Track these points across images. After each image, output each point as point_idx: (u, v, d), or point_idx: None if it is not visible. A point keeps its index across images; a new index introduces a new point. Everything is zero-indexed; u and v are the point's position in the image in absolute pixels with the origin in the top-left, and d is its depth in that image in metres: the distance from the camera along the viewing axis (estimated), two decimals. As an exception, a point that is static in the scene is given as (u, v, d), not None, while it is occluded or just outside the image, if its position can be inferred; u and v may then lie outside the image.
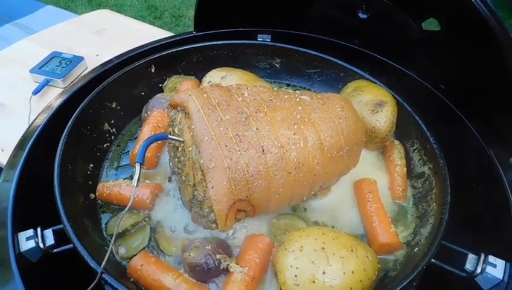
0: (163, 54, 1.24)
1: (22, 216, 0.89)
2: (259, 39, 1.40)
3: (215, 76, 1.19)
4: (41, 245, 0.84)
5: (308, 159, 0.88)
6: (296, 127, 0.89)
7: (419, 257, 0.81)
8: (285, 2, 1.46)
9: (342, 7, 1.45)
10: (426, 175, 1.03)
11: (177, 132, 0.90)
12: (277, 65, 1.37)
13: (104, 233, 0.93)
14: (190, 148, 0.85)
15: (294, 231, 0.84)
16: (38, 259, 0.85)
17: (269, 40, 1.39)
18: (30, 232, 0.85)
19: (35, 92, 1.29)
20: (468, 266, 0.84)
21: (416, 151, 1.09)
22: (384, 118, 1.06)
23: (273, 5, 1.43)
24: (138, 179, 0.78)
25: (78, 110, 1.01)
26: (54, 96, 1.17)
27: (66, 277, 0.86)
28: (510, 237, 0.91)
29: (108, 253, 0.73)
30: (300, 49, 1.32)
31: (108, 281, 0.72)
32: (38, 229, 0.85)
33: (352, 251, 0.77)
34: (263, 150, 0.84)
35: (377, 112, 1.07)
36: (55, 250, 0.85)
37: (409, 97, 1.16)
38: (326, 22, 1.49)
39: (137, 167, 0.79)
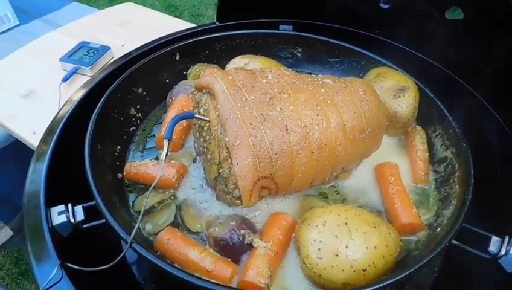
0: (187, 42, 1.27)
1: (54, 193, 0.93)
2: (280, 29, 1.41)
3: (238, 63, 1.21)
4: (72, 220, 0.86)
5: (330, 139, 0.89)
6: (319, 108, 0.90)
7: (441, 236, 0.81)
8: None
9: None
10: (449, 159, 1.03)
11: (202, 112, 0.93)
12: (298, 54, 1.39)
13: (132, 210, 0.96)
14: (216, 127, 0.88)
15: (317, 208, 0.85)
16: (68, 234, 0.89)
17: (290, 30, 1.41)
18: (61, 207, 0.88)
19: (65, 80, 1.34)
20: (492, 248, 0.84)
21: (438, 136, 1.09)
22: (406, 102, 1.06)
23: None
24: (166, 154, 0.80)
25: (106, 94, 1.05)
26: (81, 83, 1.21)
27: (95, 251, 0.89)
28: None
29: (137, 225, 0.76)
30: (322, 38, 1.33)
31: (138, 250, 0.74)
32: (69, 205, 0.88)
33: (374, 227, 0.78)
34: (287, 129, 0.85)
35: (399, 97, 1.07)
36: (85, 225, 0.88)
37: (431, 84, 1.16)
38: (347, 13, 1.50)
39: (166, 142, 0.81)
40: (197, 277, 0.70)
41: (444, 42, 1.29)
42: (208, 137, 0.91)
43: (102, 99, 1.03)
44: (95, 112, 1.00)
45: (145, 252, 0.74)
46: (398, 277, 0.70)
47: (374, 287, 0.69)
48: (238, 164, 0.82)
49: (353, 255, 0.74)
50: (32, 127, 1.23)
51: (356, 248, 0.74)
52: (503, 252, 0.82)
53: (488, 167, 1.05)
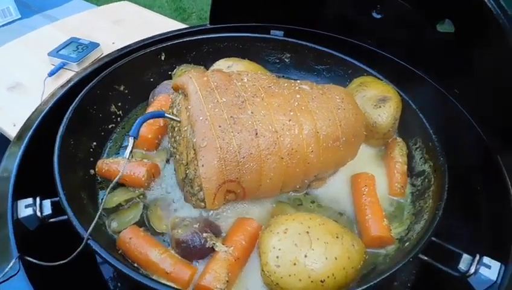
0: (173, 42, 1.27)
1: (24, 186, 0.93)
2: (271, 34, 1.41)
3: (222, 65, 1.20)
4: (38, 214, 0.86)
5: (302, 146, 0.88)
6: (292, 114, 0.89)
7: (408, 251, 0.79)
8: (300, 0, 1.47)
9: (356, 6, 1.45)
10: (426, 173, 1.01)
11: (175, 112, 0.93)
12: (286, 60, 1.38)
13: (100, 208, 0.95)
14: (185, 128, 0.87)
15: (282, 215, 0.84)
16: (35, 228, 0.88)
17: (281, 36, 1.40)
18: (29, 200, 0.88)
19: (51, 74, 1.35)
20: (462, 266, 0.82)
21: (418, 149, 1.07)
22: (386, 113, 1.05)
23: (288, 2, 1.45)
24: (130, 152, 0.80)
25: (84, 90, 1.05)
26: (66, 79, 1.21)
27: (62, 248, 0.88)
28: (508, 239, 0.87)
29: (95, 220, 0.75)
30: (310, 44, 1.32)
31: (93, 247, 0.73)
32: (38, 199, 0.88)
33: (337, 237, 0.76)
34: (256, 133, 0.84)
35: (380, 107, 1.05)
36: (51, 220, 0.87)
37: (417, 97, 1.15)
38: (340, 21, 1.49)
39: (131, 140, 0.81)
40: (146, 277, 0.69)
41: (433, 54, 1.28)
42: (178, 137, 0.90)
43: (79, 95, 1.03)
44: (70, 107, 1.00)
45: (99, 248, 0.73)
46: (355, 290, 0.68)
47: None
48: (203, 165, 0.81)
49: (311, 265, 0.72)
50: (13, 119, 1.24)
51: (315, 258, 0.72)
52: (472, 270, 0.80)
53: (467, 183, 1.03)
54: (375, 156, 1.11)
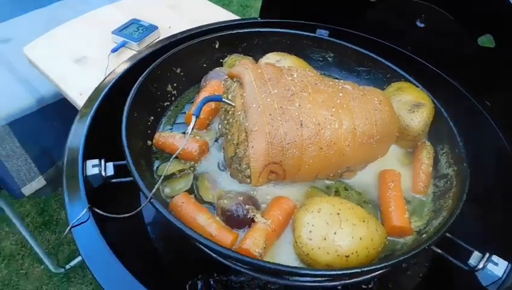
0: (228, 33, 1.38)
1: (91, 149, 1.06)
2: (317, 33, 1.50)
3: (271, 58, 1.31)
4: (103, 173, 1.00)
5: (340, 139, 0.98)
6: (334, 110, 0.99)
7: (423, 241, 0.89)
8: (348, 3, 1.56)
9: (402, 14, 1.52)
10: (449, 176, 1.10)
11: (230, 98, 1.04)
12: (329, 59, 1.47)
13: (155, 174, 1.09)
14: (239, 113, 0.98)
15: (317, 197, 0.95)
16: (98, 185, 1.02)
17: (326, 35, 1.49)
18: (96, 161, 1.01)
19: (113, 50, 1.49)
20: (472, 261, 0.91)
21: (444, 154, 1.16)
22: (419, 118, 1.14)
23: (336, 3, 1.54)
24: (192, 129, 0.92)
25: (149, 69, 1.17)
26: (128, 56, 1.35)
27: (118, 204, 1.02)
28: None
29: (157, 185, 0.88)
30: (353, 46, 1.41)
31: (155, 205, 0.86)
32: (102, 161, 1.02)
33: (364, 221, 0.87)
34: (301, 124, 0.95)
35: (413, 112, 1.14)
36: (113, 180, 1.01)
37: (449, 105, 1.23)
38: (384, 26, 1.57)
39: (194, 118, 0.93)
40: (201, 235, 0.82)
41: (470, 66, 1.35)
42: (231, 120, 1.02)
43: (145, 73, 1.16)
44: (137, 83, 1.13)
45: (160, 207, 0.86)
46: (374, 267, 0.79)
47: (350, 271, 0.78)
48: (253, 147, 0.92)
49: (339, 242, 0.83)
50: (79, 89, 1.38)
51: (343, 236, 0.84)
52: (480, 266, 0.90)
53: (488, 188, 1.11)
54: (404, 156, 1.20)
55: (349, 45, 1.41)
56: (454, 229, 0.94)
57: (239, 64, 1.27)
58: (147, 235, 1.14)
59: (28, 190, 1.87)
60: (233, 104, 1.00)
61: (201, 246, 0.84)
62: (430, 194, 1.11)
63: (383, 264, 0.80)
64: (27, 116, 1.77)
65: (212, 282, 1.03)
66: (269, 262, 0.80)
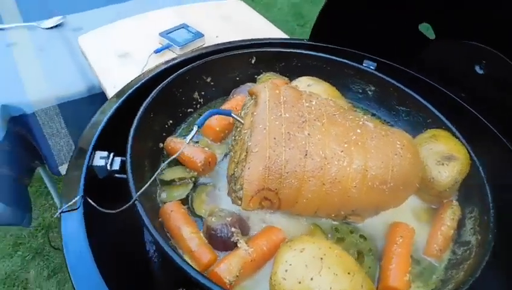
0: (266, 50, 1.36)
1: (104, 141, 1.08)
2: (364, 64, 1.42)
3: (303, 82, 1.26)
4: (108, 167, 1.01)
5: (346, 178, 0.90)
6: (346, 146, 0.92)
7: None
8: (404, 37, 1.47)
9: (460, 56, 1.40)
10: (470, 245, 0.96)
11: (242, 114, 1.01)
12: (370, 92, 1.39)
13: (157, 178, 1.08)
14: (246, 131, 0.95)
15: (307, 236, 0.88)
16: (103, 177, 1.03)
17: (373, 68, 1.41)
18: (104, 153, 1.02)
19: (156, 51, 1.53)
20: None
21: (472, 219, 1.03)
22: (447, 172, 1.02)
23: (392, 36, 1.45)
24: (191, 138, 0.90)
25: (175, 73, 1.18)
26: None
27: (116, 200, 1.02)
28: None
29: (146, 184, 0.87)
30: (397, 83, 1.31)
31: (137, 206, 0.85)
32: (111, 154, 1.02)
33: (349, 273, 0.78)
34: (306, 154, 0.89)
35: (442, 164, 1.03)
36: (116, 175, 1.02)
37: (493, 165, 1.09)
38: (438, 66, 1.46)
39: (195, 128, 0.91)
40: (170, 249, 0.78)
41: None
42: (237, 137, 0.99)
43: (170, 77, 1.17)
44: (160, 85, 1.14)
45: (141, 210, 0.84)
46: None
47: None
48: (249, 168, 0.88)
49: (314, 289, 0.75)
50: (115, 82, 1.44)
51: (320, 284, 0.76)
52: None
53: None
54: (425, 212, 1.08)
55: (392, 81, 1.32)
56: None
57: (262, 83, 1.24)
58: (139, 238, 1.12)
59: (64, 168, 1.97)
60: (242, 121, 0.96)
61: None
62: (444, 261, 0.98)
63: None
64: (76, 101, 1.87)
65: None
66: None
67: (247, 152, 0.90)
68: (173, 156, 0.90)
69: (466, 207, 1.06)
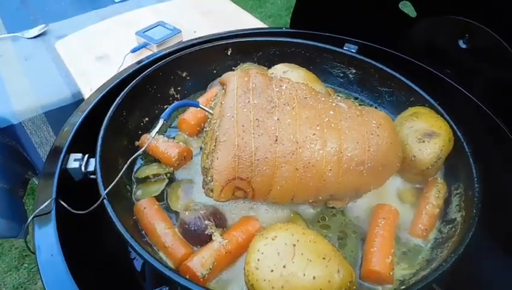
0: (242, 40, 1.33)
1: (79, 143, 1.07)
2: (345, 48, 1.39)
3: (278, 69, 1.23)
4: (83, 168, 0.99)
5: (320, 162, 0.87)
6: (318, 128, 0.89)
7: (398, 294, 0.75)
8: (387, 19, 1.43)
9: (444, 32, 1.36)
10: (456, 222, 0.93)
11: (212, 105, 0.99)
12: (351, 76, 1.35)
13: (133, 176, 1.06)
14: (215, 121, 0.92)
15: (280, 223, 0.85)
16: (79, 180, 1.01)
17: (354, 51, 1.37)
18: (79, 155, 1.01)
19: (133, 51, 1.52)
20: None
21: (458, 195, 0.99)
22: (428, 149, 0.98)
23: (374, 19, 1.41)
24: (156, 132, 0.88)
25: (147, 70, 1.16)
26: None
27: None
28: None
29: (114, 182, 0.85)
30: (377, 64, 1.28)
31: (105, 204, 0.83)
32: (86, 156, 1.01)
33: (324, 258, 0.75)
34: (276, 140, 0.86)
35: (423, 141, 0.99)
36: (91, 176, 1.00)
37: (479, 139, 1.06)
38: (421, 44, 1.42)
39: (160, 121, 0.89)
40: (138, 244, 0.76)
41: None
42: (208, 128, 0.96)
43: (142, 74, 1.15)
44: (130, 84, 1.11)
45: (109, 208, 0.82)
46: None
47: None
48: (218, 158, 0.85)
49: (287, 277, 0.72)
50: (92, 85, 1.42)
51: (292, 271, 0.73)
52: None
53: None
54: (410, 192, 1.05)
55: (373, 62, 1.28)
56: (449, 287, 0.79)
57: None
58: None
59: (57, 177, 1.96)
60: (210, 112, 0.94)
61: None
62: (430, 240, 0.95)
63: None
64: (62, 108, 1.86)
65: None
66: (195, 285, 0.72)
67: (216, 142, 0.88)
68: (138, 152, 0.89)
69: (452, 184, 1.03)
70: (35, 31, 2.09)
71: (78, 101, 1.85)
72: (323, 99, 0.96)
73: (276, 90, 0.94)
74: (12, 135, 1.80)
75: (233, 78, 0.96)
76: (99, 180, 0.88)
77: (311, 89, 0.98)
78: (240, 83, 0.94)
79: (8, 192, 1.85)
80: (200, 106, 0.94)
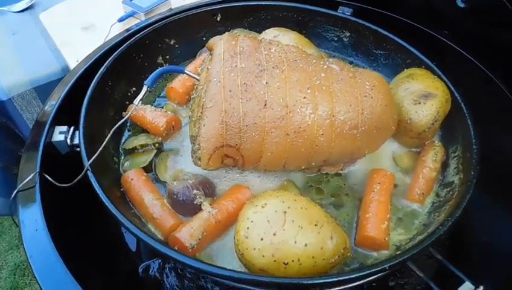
0: (231, 5, 1.27)
1: (65, 115, 1.03)
2: (339, 10, 1.33)
3: (269, 33, 1.18)
4: (68, 141, 0.95)
5: (312, 126, 0.84)
6: (309, 91, 0.85)
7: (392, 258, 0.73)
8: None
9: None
10: (453, 185, 0.90)
11: (199, 71, 0.94)
12: (345, 39, 1.30)
13: (120, 147, 1.03)
14: (201, 87, 0.88)
15: (271, 191, 0.82)
16: (66, 153, 0.98)
17: (349, 14, 1.31)
18: (64, 128, 0.97)
19: (120, 20, 1.45)
20: (461, 291, 0.73)
21: (456, 158, 0.96)
22: (425, 111, 0.94)
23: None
24: (140, 99, 0.84)
25: (133, 38, 1.11)
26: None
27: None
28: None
29: (97, 152, 0.82)
30: (372, 26, 1.22)
31: (89, 176, 0.80)
32: (71, 129, 0.97)
33: (316, 225, 0.73)
34: (265, 104, 0.83)
35: (419, 103, 0.95)
36: (77, 149, 0.97)
37: (478, 100, 1.02)
38: (418, 5, 1.36)
39: (144, 88, 0.85)
40: (123, 216, 0.74)
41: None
42: (194, 95, 0.93)
43: (127, 42, 1.10)
44: (114, 53, 1.07)
45: (94, 181, 0.80)
46: (310, 281, 0.66)
47: (277, 280, 0.66)
48: (204, 125, 0.82)
49: (277, 245, 0.70)
50: (78, 56, 1.37)
51: (283, 239, 0.70)
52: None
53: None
54: (407, 156, 1.01)
55: (367, 24, 1.22)
56: (449, 251, 0.77)
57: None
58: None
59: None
60: (196, 77, 0.90)
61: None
62: (427, 205, 0.92)
63: (321, 280, 0.66)
64: (53, 83, 1.81)
65: (167, 269, 0.95)
66: (183, 256, 0.70)
67: (202, 109, 0.84)
68: (121, 121, 0.85)
69: (450, 147, 0.99)
70: (22, 5, 2.01)
71: (68, 75, 1.80)
72: (314, 61, 0.91)
73: (264, 53, 0.90)
74: (2, 112, 1.76)
75: (220, 42, 0.91)
76: (83, 151, 0.85)
77: (301, 51, 0.93)
78: (226, 46, 0.90)
79: (2, 170, 1.83)
80: (186, 71, 0.90)
